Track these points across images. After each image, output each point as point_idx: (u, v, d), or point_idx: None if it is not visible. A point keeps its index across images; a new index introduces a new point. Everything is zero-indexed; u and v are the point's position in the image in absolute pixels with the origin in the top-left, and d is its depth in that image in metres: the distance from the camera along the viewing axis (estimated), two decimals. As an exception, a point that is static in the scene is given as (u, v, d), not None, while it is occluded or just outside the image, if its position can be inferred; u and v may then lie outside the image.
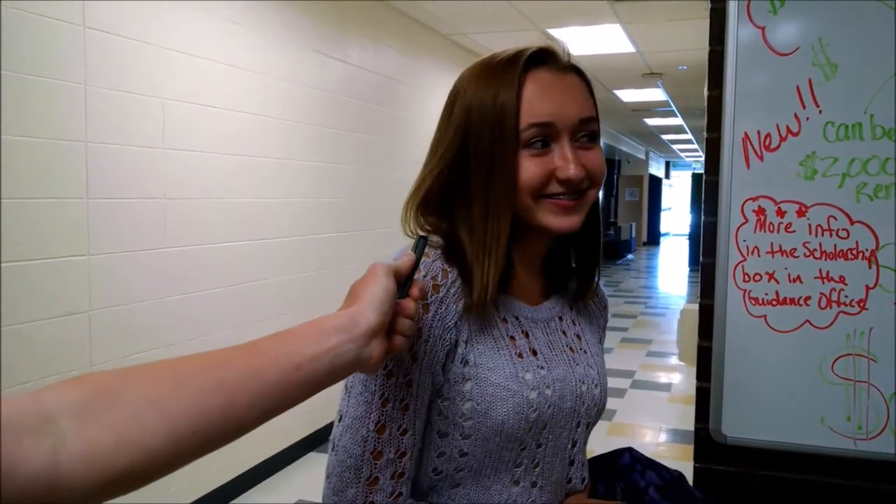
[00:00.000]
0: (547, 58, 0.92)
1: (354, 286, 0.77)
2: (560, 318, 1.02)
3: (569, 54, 0.94)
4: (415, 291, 0.81)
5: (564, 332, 1.01)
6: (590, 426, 1.02)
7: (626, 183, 18.98)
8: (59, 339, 2.55)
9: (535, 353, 0.95)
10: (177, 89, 3.06)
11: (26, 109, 2.39)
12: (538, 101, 0.89)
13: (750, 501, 1.53)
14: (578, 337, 1.03)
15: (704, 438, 1.51)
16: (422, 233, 0.95)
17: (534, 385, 0.92)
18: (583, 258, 1.05)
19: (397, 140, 5.05)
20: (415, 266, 0.83)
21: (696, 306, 1.57)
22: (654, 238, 21.28)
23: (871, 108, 1.36)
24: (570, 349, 1.00)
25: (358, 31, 4.56)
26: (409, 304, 0.79)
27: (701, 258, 1.51)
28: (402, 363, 0.86)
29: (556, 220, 0.90)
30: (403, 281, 0.81)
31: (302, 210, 3.96)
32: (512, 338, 0.95)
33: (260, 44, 3.62)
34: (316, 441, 4.26)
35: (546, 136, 0.88)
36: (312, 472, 3.97)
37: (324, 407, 4.32)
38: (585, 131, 0.91)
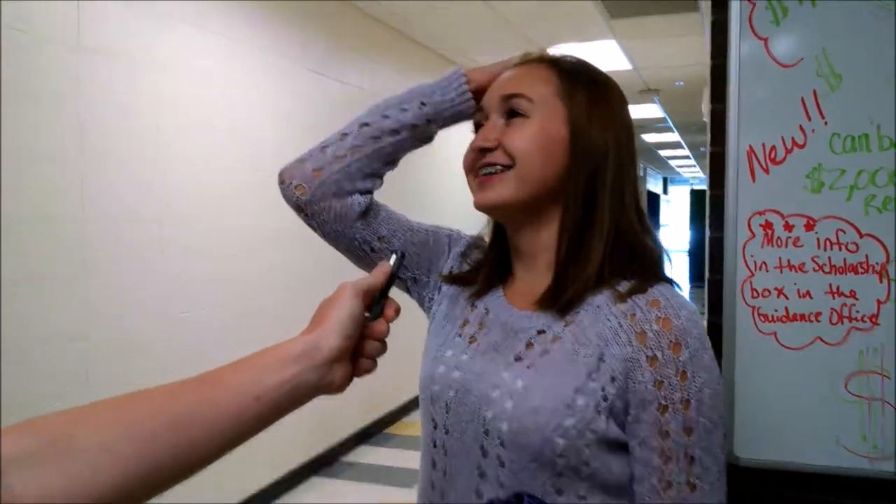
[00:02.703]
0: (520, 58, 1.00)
1: (322, 306, 0.74)
2: (541, 332, 0.91)
3: (542, 52, 0.99)
4: (390, 313, 0.79)
5: (531, 344, 0.90)
6: (510, 447, 0.85)
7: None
8: (58, 365, 2.51)
9: (474, 341, 0.97)
10: (173, 110, 3.04)
11: (21, 130, 2.37)
12: (486, 92, 0.99)
13: (763, 524, 1.49)
14: (546, 353, 0.89)
15: (715, 460, 1.47)
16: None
17: (447, 362, 0.96)
18: (566, 261, 0.92)
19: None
20: (390, 282, 0.79)
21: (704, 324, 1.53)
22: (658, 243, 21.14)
23: (878, 119, 1.33)
24: (517, 358, 0.90)
25: (356, 51, 4.56)
26: (380, 327, 0.77)
27: (707, 275, 1.48)
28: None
29: (475, 196, 0.94)
30: (377, 297, 0.77)
31: (299, 230, 3.93)
32: (467, 321, 0.99)
33: (257, 64, 3.62)
34: (318, 465, 4.20)
35: (483, 119, 0.97)
36: (316, 499, 3.90)
37: (325, 429, 4.27)
38: (512, 110, 0.93)
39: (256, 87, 3.60)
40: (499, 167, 0.92)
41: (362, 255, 1.06)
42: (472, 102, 1.03)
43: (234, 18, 3.44)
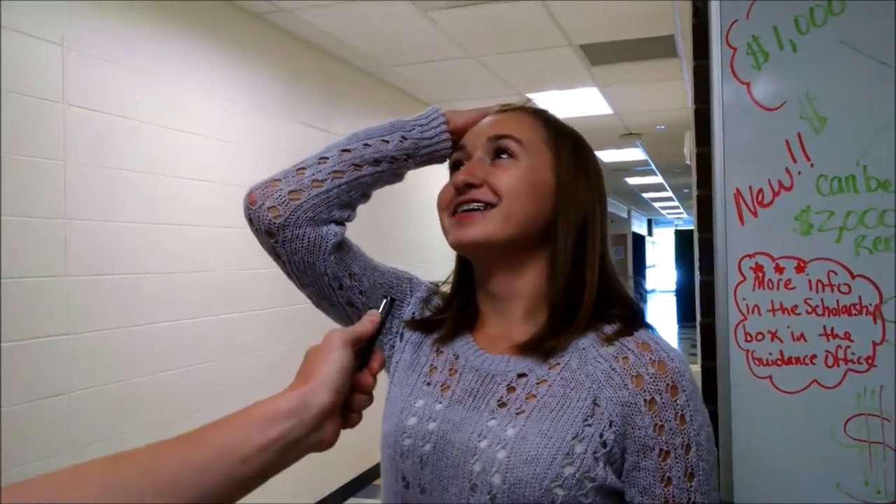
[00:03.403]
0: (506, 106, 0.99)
1: (309, 356, 0.71)
2: (521, 376, 0.87)
3: (525, 103, 1.00)
4: (374, 366, 0.75)
5: (512, 388, 0.87)
6: (502, 502, 0.80)
7: (610, 242, 19.04)
8: (41, 422, 2.44)
9: (446, 388, 0.91)
10: (158, 163, 3.03)
11: (3, 186, 2.34)
12: (466, 133, 0.98)
13: (767, 574, 1.45)
14: (532, 396, 0.85)
15: (715, 508, 1.43)
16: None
17: (418, 413, 0.90)
18: (558, 308, 0.90)
19: (383, 208, 5.03)
20: (378, 330, 0.76)
21: (695, 368, 1.52)
22: (640, 295, 21.26)
23: (864, 160, 1.34)
24: (501, 404, 0.86)
25: (343, 102, 4.59)
26: (367, 379, 0.73)
27: (700, 318, 1.47)
28: None
29: (452, 234, 0.91)
30: (364, 346, 0.74)
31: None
32: (434, 368, 0.95)
33: (245, 115, 3.63)
34: (306, 520, 4.09)
35: (463, 159, 0.95)
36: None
37: (313, 481, 4.17)
38: (499, 147, 0.92)
39: (247, 139, 3.61)
40: (482, 205, 0.89)
41: (328, 293, 1.00)
42: (448, 143, 1.01)
43: (225, 75, 3.46)
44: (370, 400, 0.74)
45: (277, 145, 3.89)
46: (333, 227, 0.98)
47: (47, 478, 0.53)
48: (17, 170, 2.40)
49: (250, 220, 0.97)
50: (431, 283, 1.08)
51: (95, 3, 2.73)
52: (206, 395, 3.25)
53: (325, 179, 0.96)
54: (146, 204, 2.97)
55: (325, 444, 0.68)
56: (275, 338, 3.79)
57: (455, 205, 0.91)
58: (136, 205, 2.91)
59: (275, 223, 0.94)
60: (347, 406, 0.71)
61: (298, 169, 0.98)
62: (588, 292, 0.90)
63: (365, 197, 1.03)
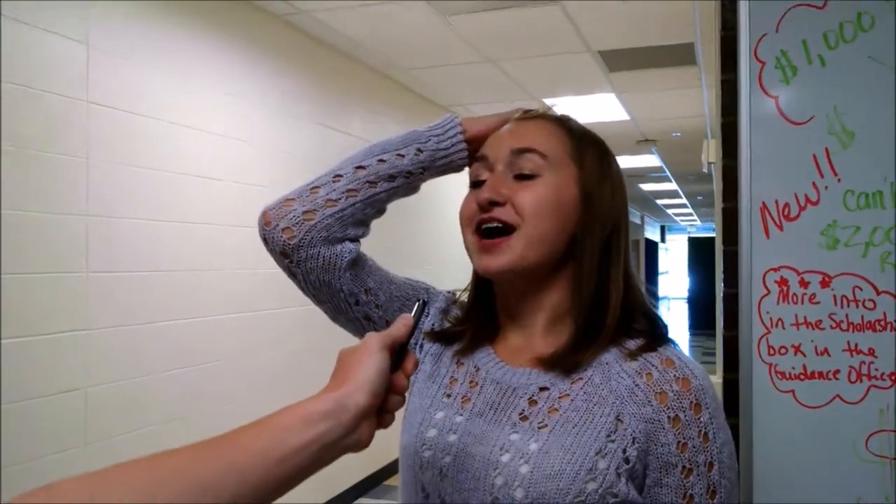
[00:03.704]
0: (527, 112, 0.97)
1: (344, 358, 0.71)
2: (543, 389, 0.87)
3: (546, 110, 0.97)
4: (409, 367, 0.75)
5: (534, 402, 0.86)
6: None
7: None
8: (58, 416, 2.47)
9: (467, 401, 0.90)
10: (178, 162, 3.06)
11: (27, 183, 2.37)
12: (487, 141, 0.94)
13: (785, 589, 1.45)
14: (554, 411, 0.85)
15: (734, 521, 1.43)
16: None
17: (438, 425, 0.89)
18: (585, 323, 0.89)
19: (398, 211, 5.04)
20: (411, 333, 0.77)
21: (713, 378, 1.52)
22: (652, 302, 21.16)
23: (892, 176, 1.34)
24: (523, 417, 0.86)
25: (359, 103, 4.61)
26: (401, 381, 0.73)
27: (723, 331, 1.47)
28: None
29: (477, 258, 0.89)
30: (398, 349, 0.74)
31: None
32: (455, 380, 0.93)
33: (263, 116, 3.65)
34: (316, 520, 4.11)
35: (485, 171, 0.91)
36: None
37: (323, 482, 4.19)
38: (522, 164, 0.88)
39: (262, 138, 3.63)
40: (504, 226, 0.87)
41: (344, 309, 0.99)
42: (465, 153, 0.99)
43: (246, 76, 3.49)
44: (403, 401, 0.75)
45: (294, 146, 3.91)
46: (348, 245, 0.96)
47: (82, 478, 0.53)
48: (43, 167, 2.42)
49: (265, 241, 0.97)
50: (449, 292, 1.07)
51: (118, 2, 2.75)
52: (223, 393, 3.27)
53: (340, 199, 0.95)
54: (166, 201, 2.99)
55: (362, 445, 0.68)
56: (291, 337, 3.81)
57: (478, 222, 0.89)
58: (156, 202, 2.93)
59: (289, 244, 0.94)
60: (382, 407, 0.72)
61: (312, 188, 0.96)
62: (612, 306, 0.89)
63: (380, 212, 1.01)
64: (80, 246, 2.58)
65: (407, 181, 0.99)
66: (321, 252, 0.94)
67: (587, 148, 0.92)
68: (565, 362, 0.87)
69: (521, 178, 0.88)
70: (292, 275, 0.97)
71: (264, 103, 3.66)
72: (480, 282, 0.98)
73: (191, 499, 0.55)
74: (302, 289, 0.99)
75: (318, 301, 1.00)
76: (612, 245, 0.91)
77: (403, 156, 0.98)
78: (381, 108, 4.90)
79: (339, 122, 4.35)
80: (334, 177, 0.97)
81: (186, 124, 3.10)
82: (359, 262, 0.99)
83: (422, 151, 0.98)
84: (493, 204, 0.87)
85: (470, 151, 1.00)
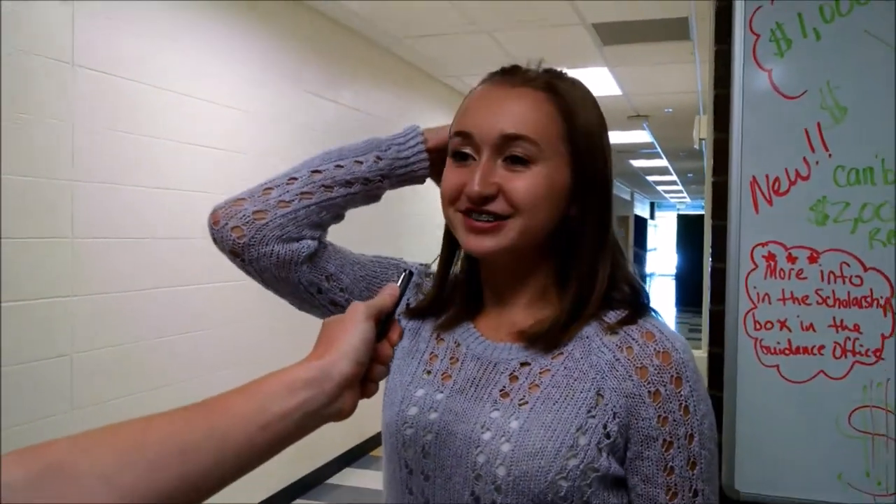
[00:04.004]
0: (509, 73, 0.90)
1: (329, 326, 0.71)
2: (524, 364, 0.87)
3: (541, 71, 0.90)
4: (394, 337, 0.75)
5: (515, 377, 0.86)
6: (507, 492, 0.80)
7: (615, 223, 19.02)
8: (43, 382, 2.46)
9: (447, 377, 0.90)
10: (166, 127, 3.02)
11: (11, 148, 2.33)
12: (469, 111, 0.87)
13: (763, 560, 1.46)
14: (535, 387, 0.85)
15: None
16: None
17: (419, 403, 0.89)
18: (576, 299, 0.88)
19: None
20: (397, 303, 0.76)
21: (699, 353, 1.52)
22: (640, 278, 21.26)
23: (883, 152, 1.33)
24: (504, 394, 0.86)
25: (350, 73, 4.56)
26: (386, 350, 0.74)
27: (709, 306, 1.46)
28: None
29: (466, 238, 0.86)
30: (383, 319, 0.74)
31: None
32: (435, 356, 0.93)
33: (252, 82, 3.61)
34: (302, 488, 4.13)
35: (469, 147, 0.86)
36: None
37: (309, 452, 4.21)
38: (513, 150, 0.83)
39: (252, 106, 3.59)
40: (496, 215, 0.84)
41: (307, 299, 0.99)
42: (427, 164, 0.98)
43: (234, 41, 3.43)
44: (387, 371, 0.75)
45: (284, 114, 3.87)
46: (307, 242, 0.95)
47: (67, 440, 0.54)
48: (27, 131, 2.38)
49: (215, 240, 0.95)
50: (421, 264, 1.05)
51: (107, -37, 2.70)
52: (209, 360, 3.27)
53: (293, 200, 0.94)
54: (153, 168, 2.96)
55: (345, 413, 0.68)
56: (281, 304, 3.79)
57: (467, 208, 0.85)
58: (142, 169, 2.90)
59: (239, 243, 0.93)
60: (366, 376, 0.72)
61: (265, 189, 0.95)
62: (601, 280, 0.88)
63: (338, 218, 0.99)
64: (65, 211, 2.55)
65: (365, 188, 0.97)
66: (275, 250, 0.93)
67: (578, 119, 0.87)
68: (551, 340, 0.87)
69: (512, 160, 0.84)
70: (247, 272, 0.97)
71: (253, 70, 3.61)
72: (470, 259, 0.96)
73: (174, 462, 0.55)
74: (261, 283, 0.98)
75: (280, 295, 1.00)
76: (604, 220, 0.89)
77: (362, 162, 0.96)
78: (372, 78, 4.85)
79: (329, 92, 4.30)
80: (289, 179, 0.95)
81: (173, 89, 3.06)
82: (317, 252, 0.97)
83: (381, 159, 0.97)
84: (485, 199, 0.83)
85: (431, 161, 0.98)
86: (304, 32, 4.04)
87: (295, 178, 0.95)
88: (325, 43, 4.25)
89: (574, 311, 0.87)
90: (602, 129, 0.91)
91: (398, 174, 0.98)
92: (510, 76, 0.89)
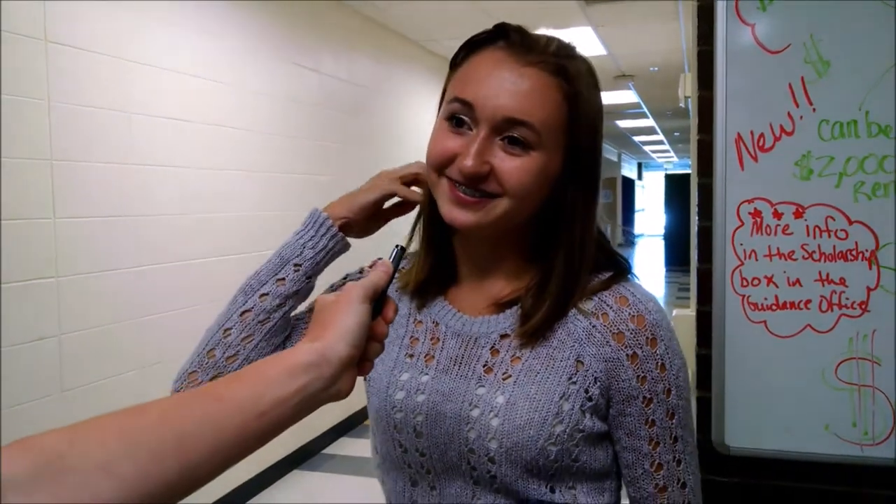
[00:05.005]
0: (520, 44, 0.85)
1: (323, 307, 0.70)
2: (504, 336, 0.89)
3: (556, 51, 0.86)
4: (389, 314, 0.74)
5: (496, 351, 0.88)
6: (500, 462, 0.84)
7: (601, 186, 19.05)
8: (31, 365, 2.45)
9: (430, 359, 0.91)
10: (145, 103, 2.97)
11: (-14, 128, 2.29)
12: (474, 79, 0.84)
13: (754, 512, 1.49)
14: (517, 360, 0.87)
15: (707, 449, 1.46)
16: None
17: (405, 387, 0.90)
18: (539, 282, 0.89)
19: (371, 148, 4.98)
20: (390, 279, 0.75)
21: (687, 312, 1.53)
22: (629, 239, 21.40)
23: (866, 105, 1.32)
24: (487, 369, 0.88)
25: (331, 40, 4.50)
26: (381, 328, 0.73)
27: (697, 264, 1.47)
28: None
29: (448, 207, 0.84)
30: (378, 295, 0.73)
31: (276, 222, 3.88)
32: (415, 339, 0.94)
33: (231, 54, 3.55)
34: (299, 458, 4.17)
35: (467, 116, 0.83)
36: (297, 492, 3.88)
37: (305, 422, 4.23)
38: (514, 133, 0.82)
39: (231, 77, 3.53)
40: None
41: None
42: (344, 239, 0.98)
43: (210, 11, 3.37)
44: (382, 348, 0.74)
45: (263, 85, 3.82)
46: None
47: (63, 430, 0.53)
48: (1, 109, 2.34)
49: None
50: (397, 245, 1.03)
51: (75, -66, 2.62)
52: (199, 336, 3.26)
53: (239, 348, 0.94)
54: (132, 144, 2.91)
55: (342, 395, 0.68)
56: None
57: (456, 180, 0.84)
58: (121, 145, 2.86)
59: None
60: (362, 355, 0.71)
61: (208, 351, 0.95)
62: (588, 257, 0.88)
63: (287, 328, 0.98)
64: (45, 192, 2.51)
65: (298, 296, 0.97)
66: None
67: (582, 113, 0.86)
68: (538, 330, 0.87)
69: (510, 141, 0.82)
70: None
71: (232, 41, 3.55)
72: (434, 233, 0.94)
73: (170, 450, 0.55)
74: None
75: None
76: (593, 196, 0.89)
77: (284, 279, 0.95)
78: (352, 44, 4.78)
79: (310, 60, 4.24)
80: (224, 332, 0.95)
81: (151, 63, 3.01)
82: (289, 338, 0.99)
83: (300, 265, 0.95)
84: (477, 177, 0.82)
85: (350, 224, 0.97)
86: (281, 0, 3.97)
87: (229, 329, 0.95)
88: (304, 10, 4.18)
89: (565, 290, 0.87)
90: (601, 113, 0.91)
91: (323, 264, 0.98)
92: (523, 50, 0.85)
